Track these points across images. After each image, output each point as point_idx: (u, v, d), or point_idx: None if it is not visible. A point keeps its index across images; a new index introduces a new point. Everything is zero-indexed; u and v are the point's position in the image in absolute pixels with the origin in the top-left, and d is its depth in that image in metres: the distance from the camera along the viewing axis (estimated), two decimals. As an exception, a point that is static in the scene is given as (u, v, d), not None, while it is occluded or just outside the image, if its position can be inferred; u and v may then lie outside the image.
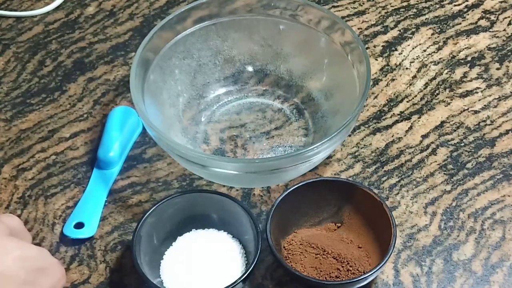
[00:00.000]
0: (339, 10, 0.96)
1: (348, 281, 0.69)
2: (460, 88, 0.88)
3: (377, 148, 0.83)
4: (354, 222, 0.74)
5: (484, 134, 0.83)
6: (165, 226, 0.73)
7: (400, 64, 0.90)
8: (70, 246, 0.76)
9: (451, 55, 0.91)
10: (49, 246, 0.76)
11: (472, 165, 0.81)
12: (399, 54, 0.91)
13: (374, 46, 0.92)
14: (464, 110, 0.86)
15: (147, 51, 0.79)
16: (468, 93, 0.87)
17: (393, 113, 0.86)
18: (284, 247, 0.73)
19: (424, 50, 0.92)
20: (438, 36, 0.93)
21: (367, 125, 0.85)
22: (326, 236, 0.74)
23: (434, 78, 0.89)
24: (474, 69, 0.90)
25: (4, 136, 0.85)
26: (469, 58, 0.91)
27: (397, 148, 0.82)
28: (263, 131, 0.84)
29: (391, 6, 0.97)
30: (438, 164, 0.81)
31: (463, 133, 0.84)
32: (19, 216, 0.78)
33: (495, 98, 0.87)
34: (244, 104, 0.86)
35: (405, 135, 0.84)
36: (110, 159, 0.80)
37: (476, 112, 0.85)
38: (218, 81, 0.87)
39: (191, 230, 0.74)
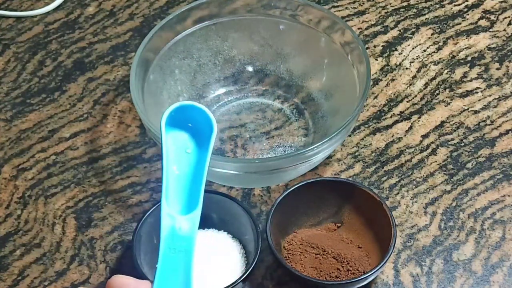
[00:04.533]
0: (339, 10, 0.96)
1: (348, 281, 0.68)
2: (460, 88, 0.88)
3: (377, 148, 0.83)
4: (354, 222, 0.74)
5: (484, 134, 0.83)
6: (165, 226, 0.73)
7: (400, 64, 0.90)
8: (70, 246, 0.76)
9: (451, 55, 0.91)
10: (49, 246, 0.76)
11: (472, 165, 0.81)
12: (399, 54, 0.91)
13: (374, 46, 0.92)
14: (464, 110, 0.86)
15: (147, 51, 0.79)
16: (468, 93, 0.87)
17: (393, 113, 0.86)
18: (284, 247, 0.73)
19: (424, 50, 0.92)
20: (438, 36, 0.93)
21: (367, 125, 0.85)
22: (326, 236, 0.74)
23: (434, 78, 0.89)
24: (474, 69, 0.90)
25: (4, 136, 0.85)
26: (469, 58, 0.91)
27: (397, 148, 0.82)
28: (263, 131, 0.84)
29: (391, 6, 0.97)
30: (438, 164, 0.81)
31: (463, 133, 0.84)
32: (19, 216, 0.78)
33: (495, 98, 0.87)
34: (244, 104, 0.86)
35: (405, 135, 0.84)
36: None
37: (476, 112, 0.85)
38: (218, 81, 0.87)
39: (191, 230, 0.74)
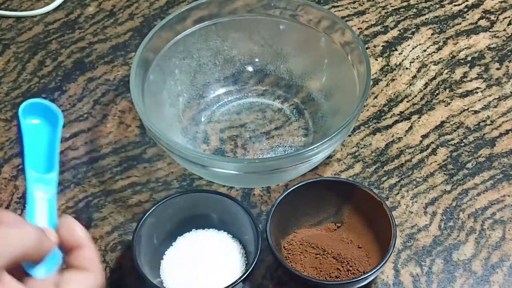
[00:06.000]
0: (339, 10, 0.96)
1: (348, 281, 0.69)
2: (460, 88, 0.88)
3: (377, 148, 0.83)
4: (354, 222, 0.74)
5: (484, 134, 0.83)
6: (165, 226, 0.73)
7: (400, 64, 0.90)
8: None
9: (451, 55, 0.91)
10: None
11: (472, 165, 0.81)
12: (399, 54, 0.91)
13: (374, 46, 0.92)
14: (464, 110, 0.86)
15: (147, 51, 0.79)
16: (468, 93, 0.87)
17: (393, 113, 0.86)
18: (284, 247, 0.73)
19: (424, 50, 0.92)
20: (438, 36, 0.93)
21: (367, 125, 0.85)
22: (326, 236, 0.74)
23: (434, 78, 0.89)
24: (474, 69, 0.90)
25: (4, 136, 0.85)
26: (469, 58, 0.91)
27: (397, 148, 0.83)
28: (263, 131, 0.84)
29: (391, 6, 0.97)
30: (438, 164, 0.81)
31: (463, 133, 0.84)
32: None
33: (495, 98, 0.87)
34: (244, 104, 0.86)
35: (405, 135, 0.84)
36: None
37: (476, 112, 0.85)
38: (218, 81, 0.87)
39: (191, 230, 0.74)
